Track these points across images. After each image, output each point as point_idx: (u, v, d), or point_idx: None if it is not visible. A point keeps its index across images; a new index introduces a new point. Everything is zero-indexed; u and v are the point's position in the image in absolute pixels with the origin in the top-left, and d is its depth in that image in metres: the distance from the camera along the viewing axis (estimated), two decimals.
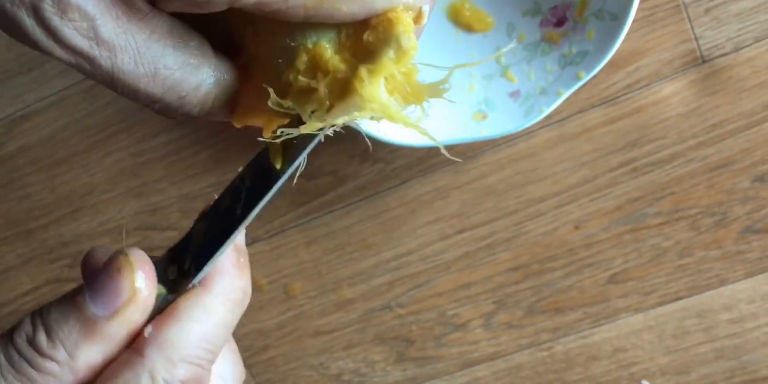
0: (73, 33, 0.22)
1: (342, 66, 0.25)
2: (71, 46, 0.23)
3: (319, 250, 0.63)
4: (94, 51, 0.23)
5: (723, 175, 0.56)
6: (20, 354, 0.25)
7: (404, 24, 0.25)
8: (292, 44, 0.25)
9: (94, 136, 0.61)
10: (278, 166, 0.27)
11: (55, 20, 0.22)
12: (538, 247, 0.60)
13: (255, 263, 0.63)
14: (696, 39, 0.53)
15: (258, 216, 0.28)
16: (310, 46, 0.25)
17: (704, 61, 0.53)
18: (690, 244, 0.58)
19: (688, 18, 0.52)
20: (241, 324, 0.65)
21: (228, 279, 0.28)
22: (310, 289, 0.64)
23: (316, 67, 0.25)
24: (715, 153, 0.56)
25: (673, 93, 0.54)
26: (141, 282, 0.26)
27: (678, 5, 0.52)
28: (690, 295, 0.60)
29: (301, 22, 0.25)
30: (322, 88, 0.25)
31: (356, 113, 0.25)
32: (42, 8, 0.22)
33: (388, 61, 0.25)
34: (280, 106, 0.26)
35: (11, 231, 0.65)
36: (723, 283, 0.59)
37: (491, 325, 0.63)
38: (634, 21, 0.47)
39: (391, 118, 0.25)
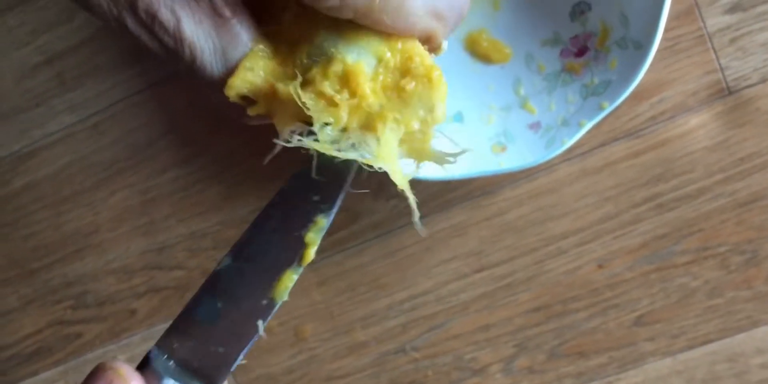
0: (161, 31, 0.26)
1: (371, 98, 0.26)
2: (159, 40, 0.27)
3: (330, 291, 0.60)
4: (178, 47, 0.26)
5: (753, 211, 0.54)
6: None
7: (442, 92, 0.26)
8: (332, 50, 0.26)
9: (101, 173, 0.60)
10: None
11: (148, 19, 0.26)
12: (559, 286, 0.58)
13: None
14: (721, 69, 0.51)
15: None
16: (349, 61, 0.26)
17: (730, 93, 0.52)
18: (720, 284, 0.56)
19: (713, 48, 0.51)
20: (249, 368, 0.63)
21: None
22: (322, 331, 0.62)
23: (345, 83, 0.26)
24: (744, 188, 0.54)
25: (699, 125, 0.53)
26: None
27: (702, 35, 0.50)
28: (720, 338, 0.57)
29: (347, 32, 0.26)
30: (344, 108, 0.26)
31: (367, 158, 0.26)
32: (137, 7, 0.26)
33: (416, 119, 0.26)
34: (298, 96, 0.26)
35: (14, 271, 0.63)
36: (755, 325, 0.57)
37: (511, 369, 0.60)
38: (657, 51, 0.46)
39: (391, 171, 0.27)
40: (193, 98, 0.56)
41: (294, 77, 0.26)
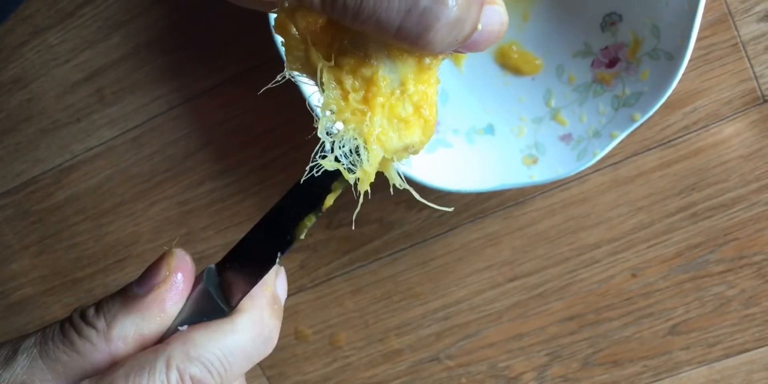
0: None
1: (377, 113, 0.27)
2: None
3: (365, 299, 0.61)
4: None
5: None
6: (71, 323, 0.30)
7: (422, 141, 0.28)
8: (373, 53, 0.27)
9: (140, 186, 0.61)
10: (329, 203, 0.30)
11: None
12: (593, 296, 0.57)
13: (300, 313, 0.62)
14: (756, 78, 0.51)
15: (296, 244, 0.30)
16: (379, 72, 0.27)
17: (765, 101, 0.51)
18: (756, 293, 0.55)
19: (747, 56, 0.50)
20: (285, 376, 0.63)
21: (259, 311, 0.31)
22: (356, 340, 0.62)
23: (365, 87, 0.27)
24: None
25: (733, 134, 0.52)
26: (176, 268, 0.31)
27: (736, 43, 0.50)
28: (757, 347, 0.57)
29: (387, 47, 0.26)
30: (350, 108, 0.27)
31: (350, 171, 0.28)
32: None
33: (393, 149, 0.28)
34: (299, 65, 0.27)
35: (57, 281, 0.65)
36: None
37: (545, 378, 0.60)
38: (690, 60, 0.45)
39: (362, 181, 0.28)
40: (229, 113, 0.57)
41: (330, 44, 0.27)
